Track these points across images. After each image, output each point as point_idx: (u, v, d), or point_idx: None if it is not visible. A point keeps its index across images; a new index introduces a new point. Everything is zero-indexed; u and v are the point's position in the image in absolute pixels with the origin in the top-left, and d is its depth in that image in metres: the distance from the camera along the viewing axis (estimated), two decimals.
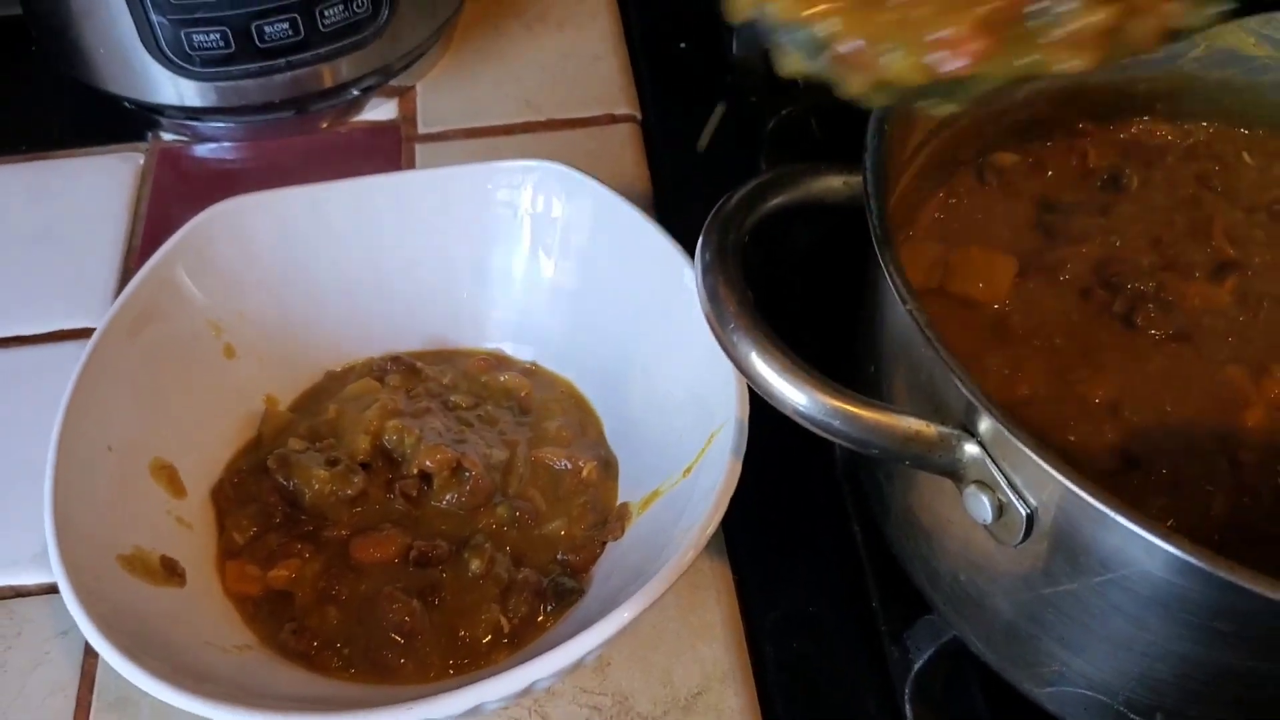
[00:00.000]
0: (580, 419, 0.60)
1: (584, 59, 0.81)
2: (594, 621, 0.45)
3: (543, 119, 0.78)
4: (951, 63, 0.39)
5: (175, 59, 0.70)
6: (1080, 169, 0.62)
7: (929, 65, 0.39)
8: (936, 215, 0.60)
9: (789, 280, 0.65)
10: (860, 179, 0.50)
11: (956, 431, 0.43)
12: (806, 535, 0.60)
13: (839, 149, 0.52)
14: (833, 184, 0.50)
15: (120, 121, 0.78)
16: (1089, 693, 0.46)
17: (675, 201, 0.72)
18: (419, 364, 0.61)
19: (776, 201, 0.49)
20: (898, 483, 0.51)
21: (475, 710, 0.44)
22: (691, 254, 0.55)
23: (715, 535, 0.57)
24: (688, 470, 0.53)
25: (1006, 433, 0.40)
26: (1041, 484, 0.41)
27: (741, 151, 0.75)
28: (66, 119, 0.80)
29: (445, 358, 0.62)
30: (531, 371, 0.62)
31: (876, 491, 0.53)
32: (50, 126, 0.79)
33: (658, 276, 0.56)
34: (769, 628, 0.56)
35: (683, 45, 0.82)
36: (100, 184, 0.75)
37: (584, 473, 0.57)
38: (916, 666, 0.53)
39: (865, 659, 0.55)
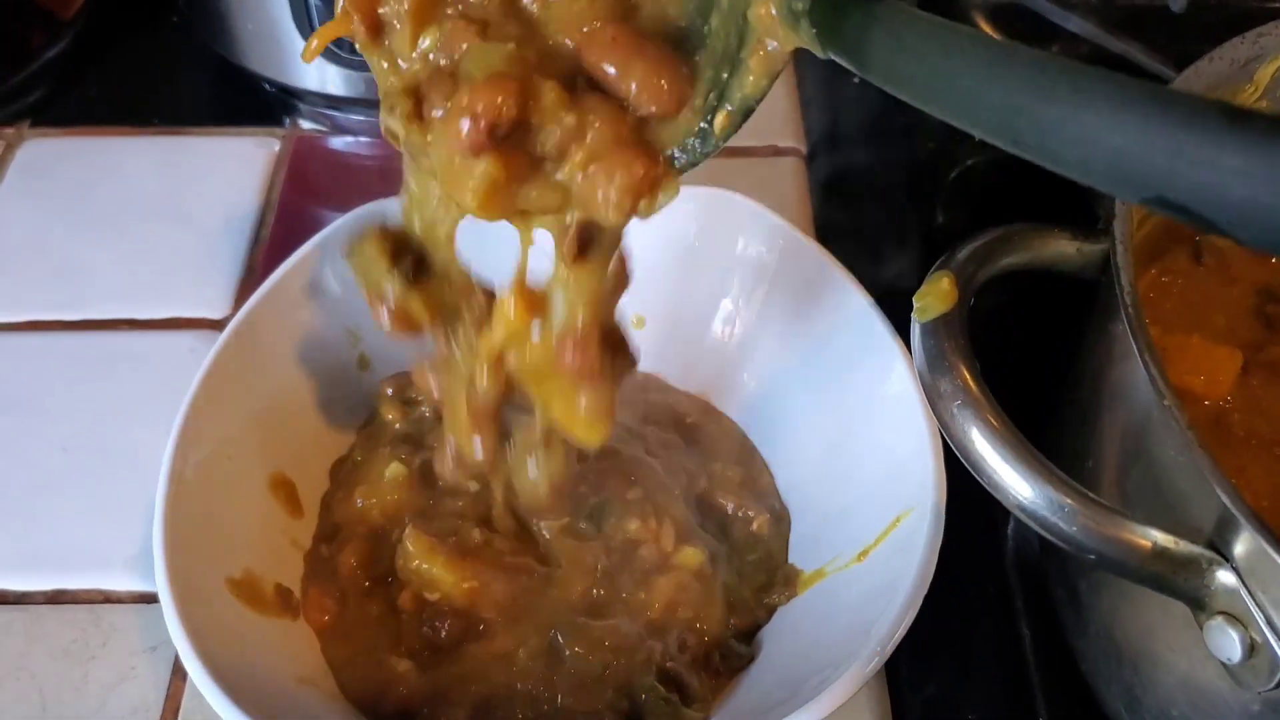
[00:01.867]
0: (750, 464, 0.54)
1: None
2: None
3: None
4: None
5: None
6: None
7: None
8: (1149, 294, 0.54)
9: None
10: (1095, 247, 0.45)
11: (1207, 553, 0.37)
12: (967, 632, 0.53)
13: (1029, 208, 0.47)
14: (1065, 249, 0.45)
15: (258, 104, 0.75)
16: None
17: (839, 245, 0.66)
18: None
19: (1005, 262, 0.43)
20: (1105, 594, 0.45)
21: None
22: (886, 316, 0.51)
23: None
24: (863, 554, 0.47)
25: (1272, 555, 0.34)
26: None
27: (914, 201, 0.69)
28: (202, 96, 0.77)
29: None
30: (697, 400, 0.56)
31: (1071, 599, 0.47)
32: (185, 102, 0.76)
33: (844, 329, 0.51)
34: None
35: (856, 80, 0.76)
36: (232, 167, 0.72)
37: (754, 525, 0.51)
38: None
39: None
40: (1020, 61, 0.28)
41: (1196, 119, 0.24)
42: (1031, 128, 0.28)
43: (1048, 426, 0.49)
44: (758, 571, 0.50)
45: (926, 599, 0.52)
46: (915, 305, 0.41)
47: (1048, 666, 0.51)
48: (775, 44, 0.36)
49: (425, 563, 0.47)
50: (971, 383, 0.39)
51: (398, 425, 0.52)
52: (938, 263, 0.42)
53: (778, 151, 0.73)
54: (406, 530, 0.48)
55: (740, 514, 0.51)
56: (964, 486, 0.47)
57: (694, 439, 0.54)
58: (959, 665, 0.52)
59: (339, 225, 0.53)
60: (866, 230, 0.68)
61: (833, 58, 0.35)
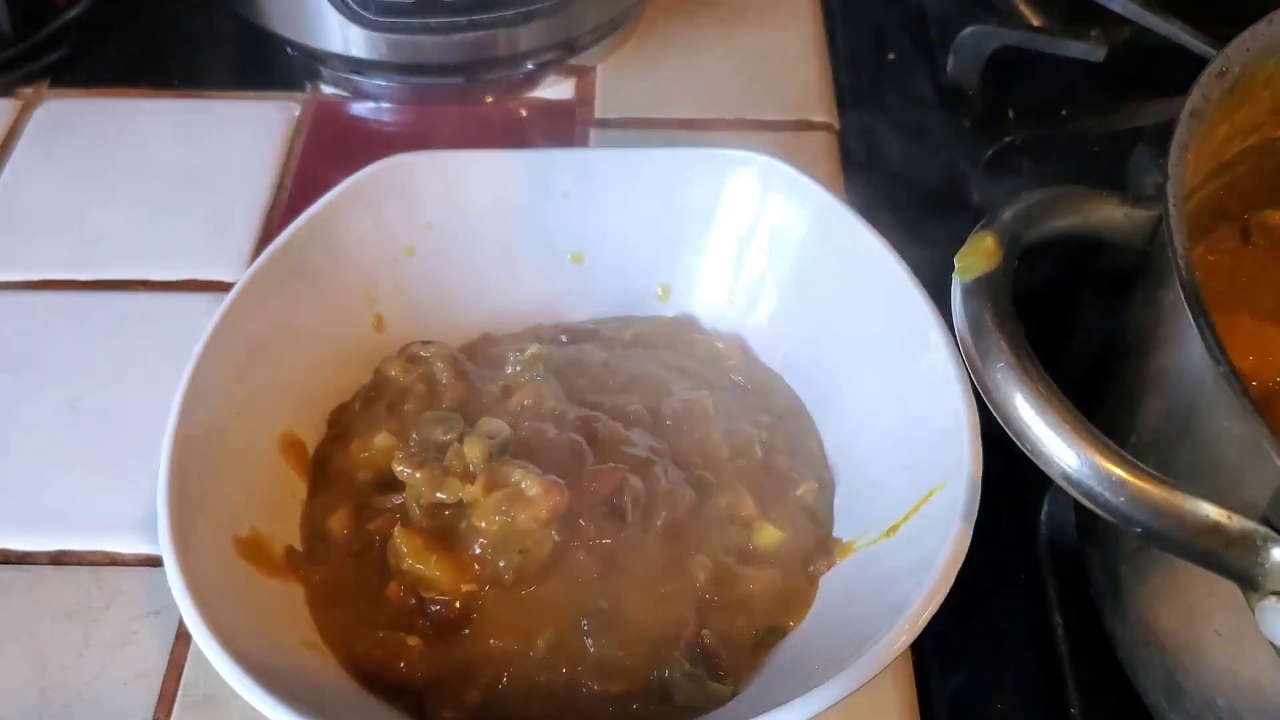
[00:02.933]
0: (800, 421, 0.52)
1: (781, 59, 0.74)
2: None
3: (730, 117, 0.71)
4: None
5: (351, 2, 0.65)
6: None
7: None
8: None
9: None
10: (1146, 213, 0.43)
11: (1263, 529, 0.35)
12: (998, 620, 0.51)
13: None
14: (1113, 214, 0.43)
15: (279, 68, 0.73)
16: None
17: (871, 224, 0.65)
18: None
19: (1052, 225, 0.41)
20: (1148, 574, 0.43)
21: None
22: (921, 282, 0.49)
23: None
24: (893, 529, 0.45)
25: None
26: None
27: (949, 178, 0.67)
28: (224, 59, 0.75)
29: (625, 324, 0.56)
30: (742, 347, 0.55)
31: (1111, 582, 0.45)
32: (205, 65, 0.75)
33: (880, 302, 0.49)
34: (948, 718, 0.48)
35: (891, 56, 0.74)
36: (251, 131, 0.70)
37: (799, 490, 0.49)
38: None
39: None
40: None
41: None
42: None
43: (1091, 403, 0.47)
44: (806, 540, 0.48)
45: (957, 585, 0.50)
46: (956, 265, 0.39)
47: (1081, 656, 0.49)
48: None
49: (419, 563, 0.45)
50: (1016, 346, 0.37)
51: (400, 379, 0.51)
52: (981, 222, 0.41)
53: (809, 126, 0.71)
54: (397, 529, 0.45)
55: (791, 475, 0.49)
56: (996, 473, 0.45)
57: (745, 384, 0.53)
58: (989, 654, 0.50)
59: (359, 179, 0.51)
60: (900, 207, 0.66)
61: None
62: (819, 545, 0.48)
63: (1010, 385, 0.37)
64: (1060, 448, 0.36)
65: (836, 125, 0.71)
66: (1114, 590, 0.45)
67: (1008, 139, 0.66)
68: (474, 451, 0.45)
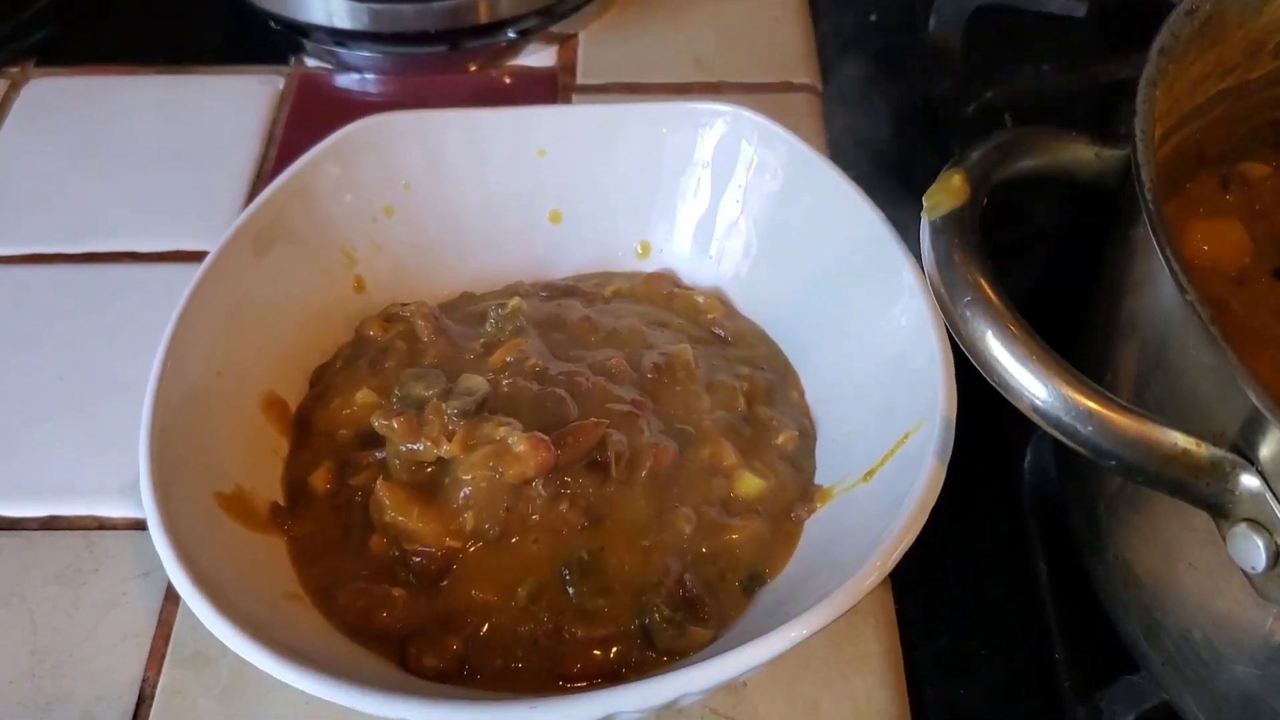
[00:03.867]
0: (781, 371, 0.52)
1: (763, 22, 0.75)
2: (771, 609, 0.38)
3: (713, 80, 0.71)
4: None
5: None
6: None
7: None
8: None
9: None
10: (1115, 152, 0.43)
11: (1231, 456, 0.35)
12: (982, 567, 0.52)
13: None
14: (1083, 154, 0.43)
15: (264, 42, 0.74)
16: None
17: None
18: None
19: (1021, 165, 0.41)
20: (1123, 511, 0.43)
21: (607, 718, 0.37)
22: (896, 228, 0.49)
23: None
24: (870, 473, 0.45)
25: None
26: None
27: (928, 137, 0.67)
28: (208, 34, 0.76)
29: (605, 280, 0.56)
30: (722, 300, 0.55)
31: (1089, 520, 0.45)
32: (191, 39, 0.75)
33: (854, 246, 0.49)
34: (933, 668, 0.49)
35: (873, 18, 0.74)
36: (236, 105, 0.71)
37: (780, 439, 0.49)
38: None
39: (1042, 714, 0.47)
40: None
41: None
42: None
43: (1070, 343, 0.47)
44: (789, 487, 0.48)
45: (941, 531, 0.50)
46: (925, 204, 0.40)
47: (1064, 601, 0.49)
48: None
49: (401, 515, 0.45)
50: (984, 281, 0.37)
51: (380, 338, 0.51)
52: (951, 161, 0.41)
53: (791, 87, 0.71)
54: (379, 483, 0.46)
55: (772, 424, 0.50)
56: (979, 423, 0.45)
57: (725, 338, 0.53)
58: (973, 601, 0.51)
59: (335, 139, 0.51)
60: (883, 165, 0.66)
61: None
62: (801, 492, 0.48)
63: (978, 320, 0.37)
64: (1029, 380, 0.36)
65: (819, 87, 0.71)
66: (1092, 530, 0.45)
67: (989, 95, 0.66)
68: (450, 408, 0.45)
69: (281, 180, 0.50)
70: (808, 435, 0.50)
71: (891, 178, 0.65)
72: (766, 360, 0.53)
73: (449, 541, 0.45)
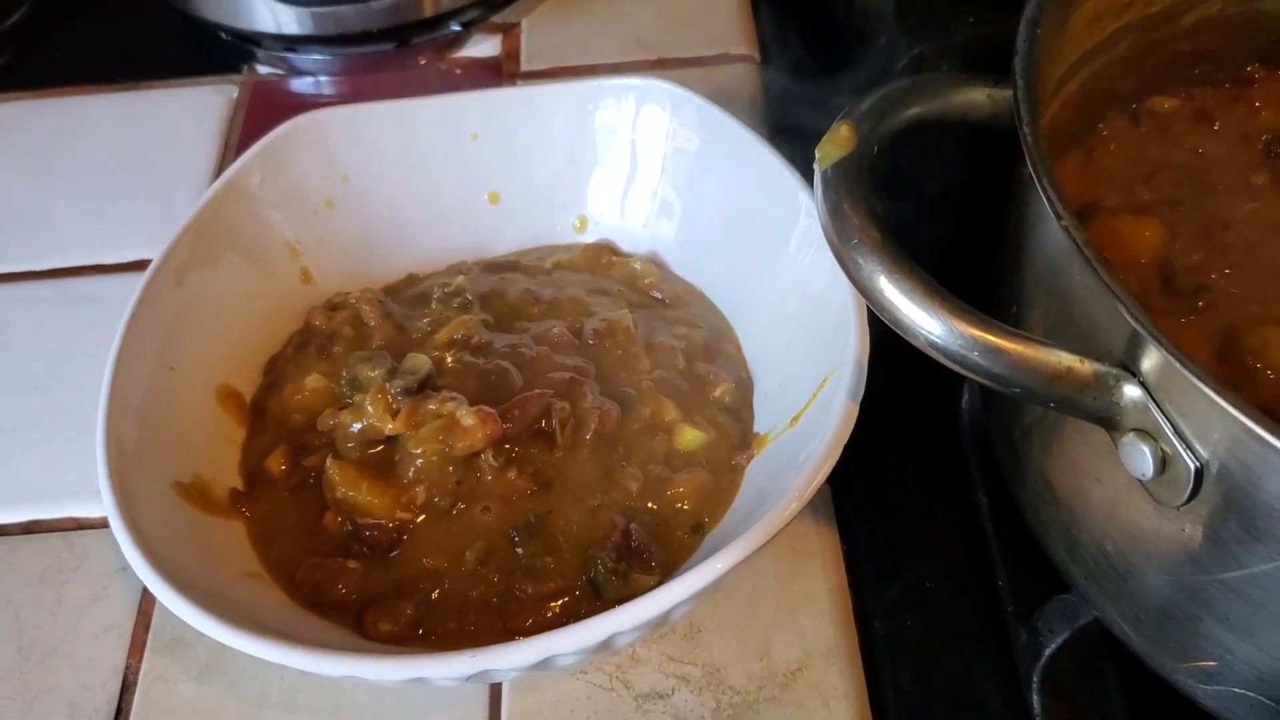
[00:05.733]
0: (718, 328, 0.54)
1: None
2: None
3: (654, 58, 0.73)
4: None
5: None
6: (1247, 126, 0.55)
7: None
8: (1083, 170, 0.53)
9: (912, 220, 0.59)
10: (1008, 93, 0.45)
11: (1115, 370, 0.37)
12: (924, 502, 0.54)
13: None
14: (975, 97, 0.45)
15: (216, 53, 0.76)
16: (1253, 693, 0.40)
17: (795, 149, 0.66)
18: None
19: (912, 112, 0.43)
20: (1036, 438, 0.45)
21: (547, 663, 0.39)
22: (810, 181, 0.51)
23: (824, 499, 0.52)
24: (795, 419, 0.47)
25: (1178, 366, 0.34)
26: (1215, 430, 0.34)
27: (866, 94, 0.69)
28: (162, 49, 0.78)
29: (546, 253, 0.58)
30: (658, 264, 0.57)
31: (1009, 450, 0.47)
32: (145, 56, 0.77)
33: (769, 199, 0.51)
34: (880, 602, 0.50)
35: None
36: (192, 116, 0.73)
37: (717, 391, 0.51)
38: (1047, 651, 0.47)
39: (987, 641, 0.49)
40: None
41: None
42: None
43: (991, 286, 0.48)
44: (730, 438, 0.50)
45: (885, 473, 0.52)
46: (816, 155, 0.41)
47: (1004, 532, 0.51)
48: None
49: (351, 490, 0.47)
50: (871, 226, 0.39)
51: (324, 326, 0.53)
52: (841, 113, 0.42)
53: (729, 59, 0.72)
54: (329, 461, 0.48)
55: (710, 378, 0.52)
56: (916, 367, 0.47)
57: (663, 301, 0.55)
58: (920, 540, 0.52)
59: (268, 141, 0.53)
60: (824, 127, 0.68)
61: None
62: (742, 441, 0.50)
63: (868, 263, 0.38)
64: (920, 316, 0.38)
65: (757, 56, 0.73)
66: (1013, 459, 0.47)
67: (918, 50, 0.67)
68: (394, 387, 0.48)
69: (218, 185, 0.52)
70: (745, 387, 0.52)
71: None
72: (703, 318, 0.54)
73: (400, 514, 0.47)
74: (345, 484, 0.47)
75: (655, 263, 0.57)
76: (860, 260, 0.39)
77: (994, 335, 0.37)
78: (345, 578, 0.46)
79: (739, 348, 0.53)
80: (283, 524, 0.48)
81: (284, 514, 0.48)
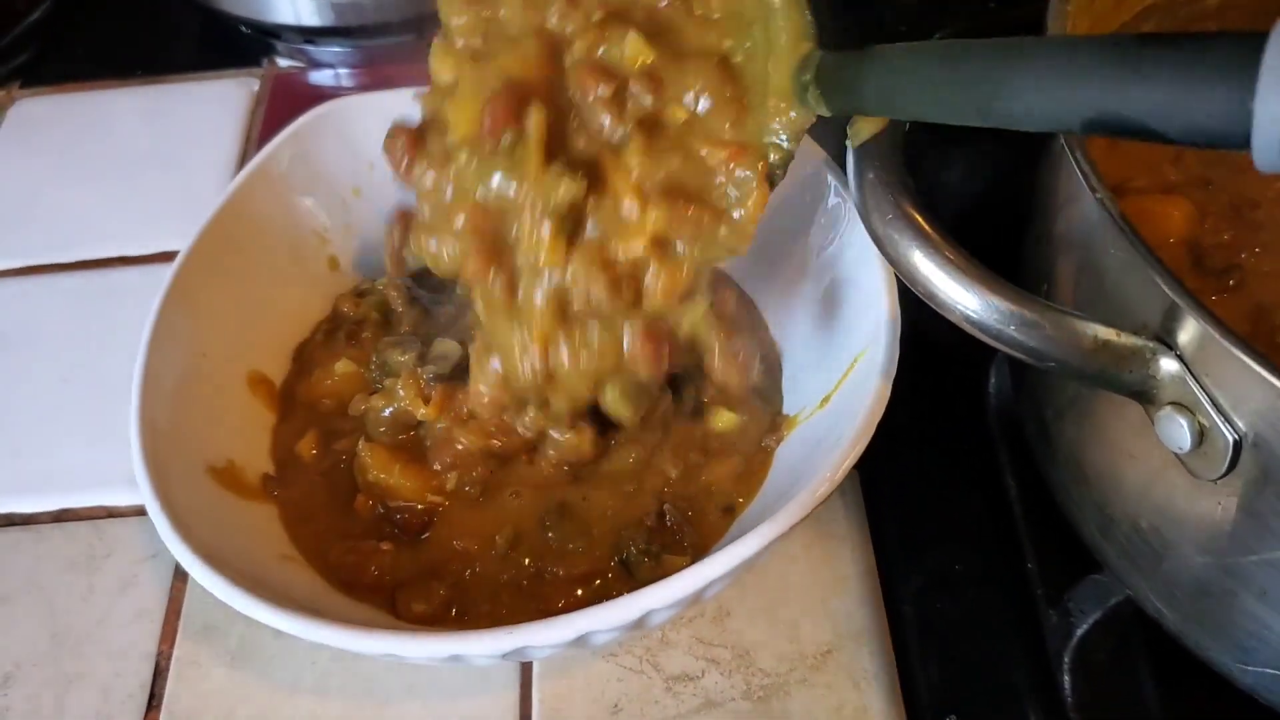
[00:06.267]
0: (745, 311, 0.54)
1: None
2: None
3: None
4: None
5: None
6: None
7: None
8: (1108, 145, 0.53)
9: (942, 203, 0.59)
10: None
11: (1151, 343, 0.37)
12: (954, 487, 0.53)
13: None
14: None
15: (237, 46, 0.76)
16: None
17: (817, 132, 0.66)
18: None
19: None
20: (1068, 415, 0.45)
21: (582, 640, 0.39)
22: (837, 160, 0.51)
23: (852, 482, 0.53)
24: (825, 400, 0.47)
25: (1217, 336, 0.34)
26: (1253, 401, 0.34)
27: None
28: (184, 44, 0.78)
29: None
30: None
31: (1040, 429, 0.47)
32: (167, 51, 0.78)
33: (796, 178, 0.51)
34: (909, 585, 0.50)
35: None
36: (214, 109, 0.73)
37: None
38: (1078, 632, 0.47)
39: (1017, 623, 0.49)
40: (978, 44, 0.35)
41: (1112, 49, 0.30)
42: (992, 91, 0.34)
43: (1021, 264, 0.48)
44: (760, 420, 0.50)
45: (913, 457, 0.52)
46: (848, 133, 0.41)
47: (1034, 515, 0.51)
48: (794, 113, 0.41)
49: (384, 473, 0.48)
50: (905, 201, 0.39)
51: (352, 313, 0.53)
52: None
53: None
54: (360, 443, 0.48)
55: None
56: (944, 349, 0.47)
57: None
58: (948, 523, 0.52)
59: (295, 128, 0.54)
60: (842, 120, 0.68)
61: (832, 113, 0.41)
62: (771, 423, 0.50)
63: (903, 238, 0.38)
64: (956, 290, 0.38)
65: None
66: (1044, 438, 0.47)
67: (938, 36, 0.67)
68: (426, 373, 0.48)
69: (248, 170, 0.53)
70: (774, 369, 0.52)
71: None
72: (734, 300, 0.54)
73: (430, 497, 0.47)
74: (378, 467, 0.47)
75: None
76: (896, 236, 0.39)
77: (1031, 309, 0.37)
78: (378, 560, 0.46)
79: (767, 329, 0.53)
80: (315, 507, 0.48)
81: (316, 497, 0.48)
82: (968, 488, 0.53)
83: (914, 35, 0.68)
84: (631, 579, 0.46)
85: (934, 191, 0.58)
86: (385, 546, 0.46)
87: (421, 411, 0.48)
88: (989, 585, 0.50)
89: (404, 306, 0.52)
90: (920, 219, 0.39)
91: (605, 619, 0.38)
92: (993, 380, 0.56)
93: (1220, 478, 0.36)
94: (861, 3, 0.74)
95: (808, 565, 0.51)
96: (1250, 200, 0.51)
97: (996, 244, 0.50)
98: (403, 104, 0.56)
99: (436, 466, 0.48)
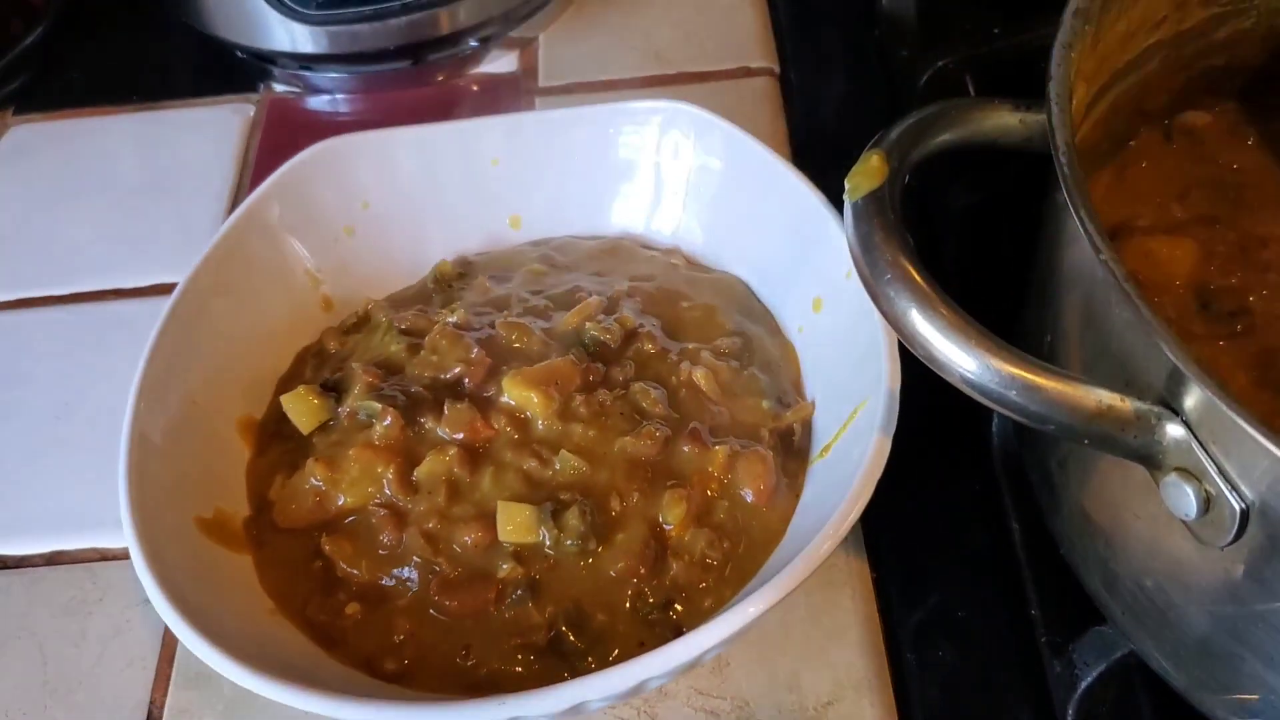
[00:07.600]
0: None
1: (718, 9, 0.75)
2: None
3: (672, 72, 0.72)
4: None
5: (289, 1, 0.66)
6: None
7: None
8: (1113, 188, 0.52)
9: (941, 243, 0.58)
10: (1040, 117, 0.44)
11: (1156, 408, 0.36)
12: (956, 531, 0.53)
13: None
14: (1008, 121, 0.44)
15: (232, 72, 0.75)
16: None
17: (816, 163, 0.66)
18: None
19: (943, 139, 0.42)
20: (1073, 469, 0.44)
21: (578, 709, 0.38)
22: (836, 206, 0.50)
23: (853, 528, 0.52)
24: (825, 450, 0.46)
25: (1221, 406, 0.33)
26: (1262, 472, 0.33)
27: (888, 108, 0.68)
28: (179, 70, 0.78)
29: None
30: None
31: (1045, 480, 0.46)
32: (162, 77, 0.77)
33: (797, 227, 0.50)
34: (911, 633, 0.50)
35: None
36: (209, 136, 0.72)
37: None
38: (1083, 684, 0.46)
39: (1021, 673, 0.48)
40: None
41: None
42: None
43: (1024, 311, 0.48)
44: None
45: (915, 501, 0.51)
46: (846, 186, 0.41)
47: (1038, 561, 0.50)
48: None
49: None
50: (904, 259, 0.38)
51: (334, 350, 0.53)
52: (871, 141, 0.42)
53: (749, 73, 0.72)
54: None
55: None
56: (945, 391, 0.46)
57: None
58: (950, 567, 0.52)
59: (288, 169, 0.53)
60: (843, 141, 0.67)
61: None
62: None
63: (901, 297, 0.38)
64: (954, 352, 0.37)
65: (776, 69, 0.72)
66: (1048, 487, 0.46)
67: (944, 64, 0.67)
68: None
69: (238, 214, 0.52)
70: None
71: (853, 150, 0.66)
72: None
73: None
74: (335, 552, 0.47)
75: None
76: (892, 294, 0.38)
77: (1031, 373, 0.36)
78: (346, 620, 0.45)
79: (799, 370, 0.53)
80: (285, 564, 0.47)
81: (286, 552, 0.47)
82: (971, 532, 0.53)
83: (915, 59, 0.68)
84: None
85: (935, 220, 0.57)
86: (350, 609, 0.45)
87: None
88: (992, 633, 0.50)
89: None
90: (918, 277, 0.38)
91: (601, 688, 0.38)
92: (996, 422, 0.55)
93: (1226, 545, 0.35)
94: (862, 24, 0.73)
95: (808, 612, 0.50)
96: (1259, 238, 0.50)
97: (997, 279, 0.50)
98: (395, 144, 0.56)
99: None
